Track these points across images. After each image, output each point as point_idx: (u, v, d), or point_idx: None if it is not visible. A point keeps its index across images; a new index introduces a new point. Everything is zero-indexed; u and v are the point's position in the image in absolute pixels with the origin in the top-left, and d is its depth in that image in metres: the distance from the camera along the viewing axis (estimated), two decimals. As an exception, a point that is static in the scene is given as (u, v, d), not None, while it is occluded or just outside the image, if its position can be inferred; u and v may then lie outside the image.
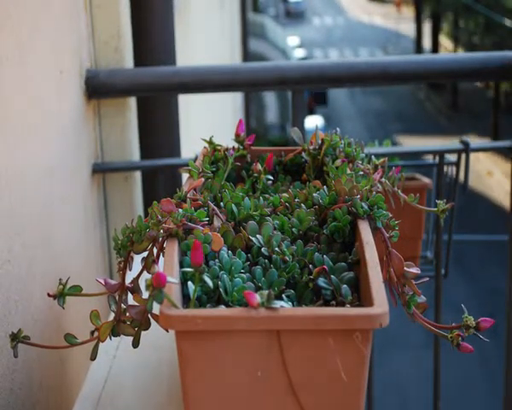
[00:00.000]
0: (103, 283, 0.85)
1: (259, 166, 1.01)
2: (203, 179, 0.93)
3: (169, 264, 0.75)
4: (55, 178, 1.22)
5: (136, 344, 0.82)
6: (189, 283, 0.73)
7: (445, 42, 18.67)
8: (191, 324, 0.65)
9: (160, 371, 1.05)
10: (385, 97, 17.56)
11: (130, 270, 0.87)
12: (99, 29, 1.55)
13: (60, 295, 0.87)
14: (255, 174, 1.02)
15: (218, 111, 4.13)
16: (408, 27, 22.89)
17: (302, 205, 0.90)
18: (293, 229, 0.86)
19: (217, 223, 0.86)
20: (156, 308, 0.70)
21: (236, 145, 1.07)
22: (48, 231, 1.16)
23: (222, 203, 0.92)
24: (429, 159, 1.66)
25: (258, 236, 0.83)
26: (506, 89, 13.97)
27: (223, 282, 0.74)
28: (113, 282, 0.86)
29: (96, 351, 0.84)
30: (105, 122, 1.59)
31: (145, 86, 1.58)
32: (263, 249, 0.82)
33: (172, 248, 0.78)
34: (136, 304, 0.83)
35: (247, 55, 7.23)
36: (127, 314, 0.83)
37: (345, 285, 0.75)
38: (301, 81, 1.59)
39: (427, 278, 0.87)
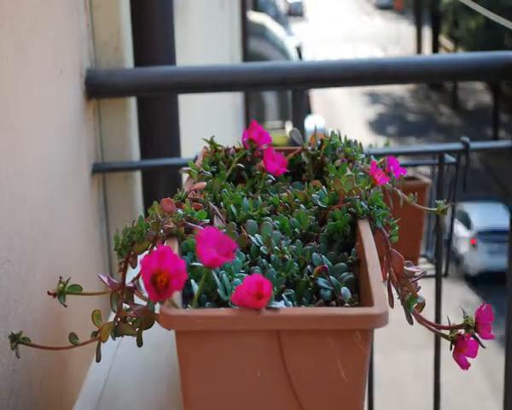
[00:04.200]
0: (106, 280, 0.85)
1: (262, 164, 1.01)
2: (205, 183, 0.92)
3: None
4: (55, 178, 1.22)
5: (139, 343, 0.82)
6: (193, 281, 0.73)
7: (445, 42, 18.67)
8: (191, 324, 0.65)
9: (160, 371, 1.05)
10: (384, 97, 17.59)
11: (133, 268, 0.87)
12: (99, 29, 1.55)
13: (60, 294, 0.87)
14: (258, 172, 1.01)
15: (218, 111, 4.13)
16: (408, 27, 22.90)
17: (301, 205, 0.90)
18: (296, 229, 0.86)
19: (217, 223, 0.86)
20: (156, 307, 0.70)
21: (237, 145, 1.06)
22: (48, 231, 1.16)
23: (222, 203, 0.92)
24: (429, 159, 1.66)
25: (256, 235, 0.83)
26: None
27: (223, 282, 0.74)
28: (114, 280, 0.86)
29: (100, 352, 0.84)
30: (105, 122, 1.59)
31: (145, 86, 1.58)
32: (262, 248, 0.81)
33: (172, 248, 0.78)
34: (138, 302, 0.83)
35: (247, 55, 7.22)
36: (131, 312, 0.83)
37: (344, 287, 0.75)
38: (301, 81, 1.59)
39: (426, 272, 0.87)
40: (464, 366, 0.78)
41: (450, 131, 14.68)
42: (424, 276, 0.85)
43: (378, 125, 15.71)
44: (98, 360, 0.85)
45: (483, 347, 0.78)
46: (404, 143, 13.80)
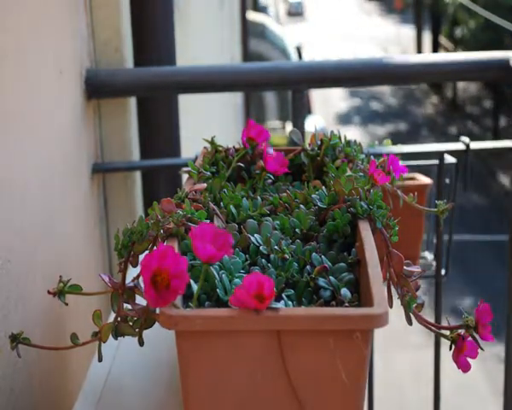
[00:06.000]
0: (107, 280, 0.85)
1: (262, 163, 1.01)
2: (205, 185, 0.92)
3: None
4: (55, 178, 1.22)
5: (141, 343, 0.82)
6: (192, 282, 0.73)
7: (445, 42, 18.67)
8: (191, 324, 0.66)
9: (160, 372, 1.05)
10: (384, 96, 17.64)
11: (134, 267, 0.87)
12: (99, 29, 1.55)
13: (60, 293, 0.87)
14: (257, 171, 1.02)
15: (218, 111, 4.13)
16: (408, 27, 22.91)
17: (301, 206, 0.90)
18: (296, 229, 0.86)
19: (217, 223, 0.86)
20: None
21: (237, 145, 1.07)
22: (48, 231, 1.16)
23: (222, 204, 0.92)
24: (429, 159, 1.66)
25: (256, 235, 0.83)
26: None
27: (222, 282, 0.74)
28: (115, 280, 0.86)
29: (101, 352, 0.84)
30: (105, 122, 1.59)
31: (145, 86, 1.58)
32: (261, 248, 0.82)
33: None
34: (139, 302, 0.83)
35: (247, 55, 7.22)
36: (132, 312, 0.83)
37: (344, 288, 0.75)
38: (301, 81, 1.59)
39: (425, 271, 0.86)
40: (464, 368, 0.77)
41: (449, 132, 14.78)
42: (424, 276, 0.85)
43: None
44: (100, 360, 0.85)
45: (481, 349, 0.77)
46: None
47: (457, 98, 16.38)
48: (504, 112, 14.22)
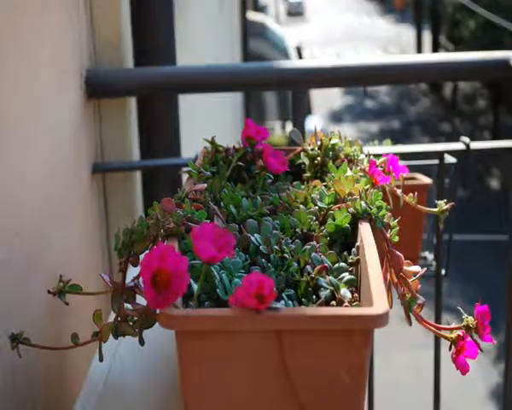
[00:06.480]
0: (107, 279, 0.85)
1: (262, 163, 1.01)
2: (205, 185, 0.92)
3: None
4: (55, 178, 1.22)
5: (141, 342, 0.82)
6: (192, 281, 0.73)
7: (445, 42, 18.66)
8: (192, 324, 0.65)
9: (160, 371, 1.05)
10: (383, 96, 17.68)
11: (135, 266, 0.87)
12: (99, 29, 1.55)
13: (60, 293, 0.87)
14: (257, 171, 1.02)
15: (218, 111, 4.13)
16: (408, 27, 22.92)
17: (301, 206, 0.90)
18: (296, 229, 0.86)
19: (217, 223, 0.86)
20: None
21: (237, 145, 1.07)
22: (48, 230, 1.16)
23: (222, 203, 0.92)
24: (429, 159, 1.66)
25: (256, 235, 0.83)
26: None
27: (223, 282, 0.74)
28: (115, 280, 0.86)
29: (101, 352, 0.84)
30: (105, 122, 1.59)
31: (145, 86, 1.58)
32: (261, 248, 0.82)
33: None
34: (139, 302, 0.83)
35: (247, 55, 7.22)
36: (134, 312, 0.83)
37: (344, 288, 0.75)
38: (301, 81, 1.59)
39: (425, 269, 0.87)
40: (462, 369, 0.77)
41: (449, 132, 14.82)
42: (424, 276, 0.85)
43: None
44: (101, 360, 0.85)
45: (481, 350, 0.77)
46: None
47: (457, 97, 16.41)
48: (504, 111, 14.26)
